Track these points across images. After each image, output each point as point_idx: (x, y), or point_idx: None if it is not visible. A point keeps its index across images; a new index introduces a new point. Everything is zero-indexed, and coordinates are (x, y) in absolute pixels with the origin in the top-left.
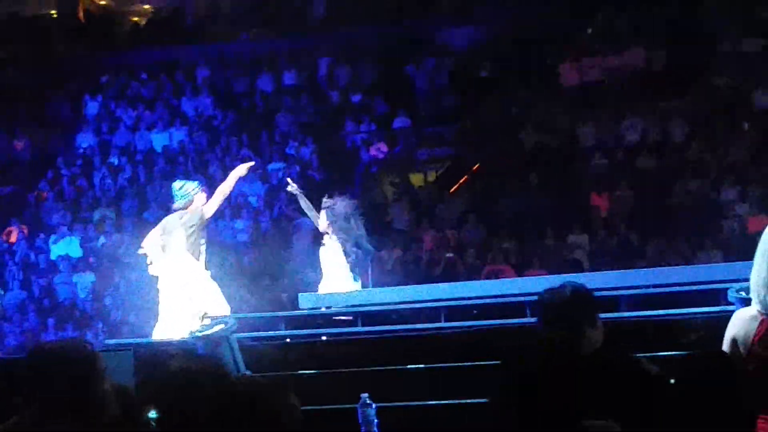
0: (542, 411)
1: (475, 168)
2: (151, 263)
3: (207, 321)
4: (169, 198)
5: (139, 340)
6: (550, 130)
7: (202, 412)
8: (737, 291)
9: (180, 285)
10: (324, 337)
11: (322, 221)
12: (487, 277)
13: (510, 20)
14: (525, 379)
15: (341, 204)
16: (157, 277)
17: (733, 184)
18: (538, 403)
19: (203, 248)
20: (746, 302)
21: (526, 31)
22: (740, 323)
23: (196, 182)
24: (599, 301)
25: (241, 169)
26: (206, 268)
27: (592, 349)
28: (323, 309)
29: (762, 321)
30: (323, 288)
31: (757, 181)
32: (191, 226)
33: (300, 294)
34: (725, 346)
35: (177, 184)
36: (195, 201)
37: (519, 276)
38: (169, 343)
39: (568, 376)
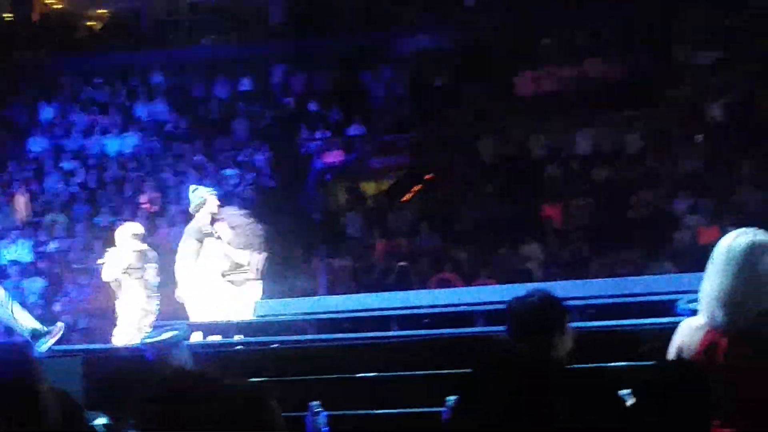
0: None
1: (429, 177)
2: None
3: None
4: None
5: (87, 346)
6: (506, 140)
7: (187, 416)
8: (687, 302)
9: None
10: (275, 345)
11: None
12: (436, 287)
13: (467, 30)
14: (492, 388)
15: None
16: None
17: (686, 195)
18: (503, 412)
19: (204, 258)
20: (695, 313)
21: (482, 41)
22: (686, 333)
23: (210, 188)
24: (568, 309)
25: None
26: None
27: (562, 355)
28: (274, 316)
29: (708, 332)
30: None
31: (709, 193)
32: (192, 233)
33: (255, 301)
34: (671, 355)
35: (191, 188)
36: (205, 207)
37: (468, 285)
38: (119, 350)
39: (540, 384)
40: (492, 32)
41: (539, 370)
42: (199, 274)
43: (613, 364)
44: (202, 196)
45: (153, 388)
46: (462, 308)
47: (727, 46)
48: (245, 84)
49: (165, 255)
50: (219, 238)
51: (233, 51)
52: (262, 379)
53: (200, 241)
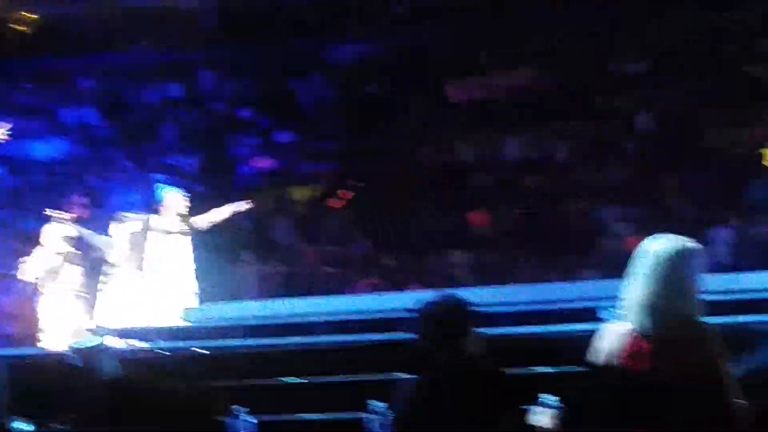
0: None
1: (358, 184)
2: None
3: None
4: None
5: (13, 351)
6: (436, 147)
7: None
8: (612, 308)
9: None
10: (201, 350)
11: None
12: (364, 292)
13: (399, 39)
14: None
15: None
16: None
17: (613, 204)
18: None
19: (147, 260)
20: (620, 319)
21: (414, 48)
22: (611, 338)
23: (177, 188)
24: (475, 313)
25: (240, 206)
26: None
27: (467, 360)
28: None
29: (633, 337)
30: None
31: (637, 202)
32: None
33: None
34: (594, 359)
35: (161, 188)
36: (171, 207)
37: (397, 292)
38: (46, 355)
39: (445, 386)
40: (424, 41)
41: (443, 371)
42: (130, 278)
43: (540, 369)
44: (169, 196)
45: (94, 394)
46: (389, 314)
47: (657, 57)
48: (175, 89)
49: (92, 259)
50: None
51: (163, 56)
52: (185, 383)
53: (143, 241)
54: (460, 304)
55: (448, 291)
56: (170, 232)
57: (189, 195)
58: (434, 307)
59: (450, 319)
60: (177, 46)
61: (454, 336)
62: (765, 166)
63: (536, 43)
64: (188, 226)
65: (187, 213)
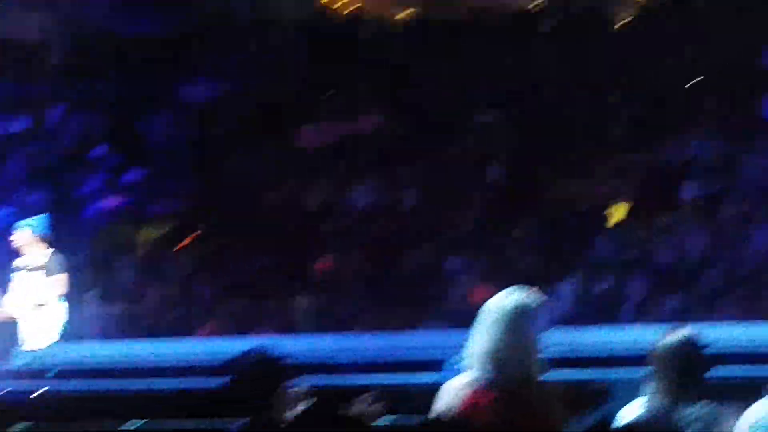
0: None
1: (205, 225)
2: None
3: None
4: None
5: None
6: (284, 191)
7: None
8: (456, 360)
9: None
10: (39, 392)
11: None
12: (207, 336)
13: (250, 79)
14: None
15: None
16: None
17: (459, 254)
18: None
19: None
20: (463, 371)
21: (266, 91)
22: (453, 389)
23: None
24: (289, 366)
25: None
26: None
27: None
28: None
29: (474, 389)
30: None
31: (482, 253)
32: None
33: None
34: (436, 411)
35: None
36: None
37: (240, 336)
38: None
39: None
40: (276, 83)
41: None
42: None
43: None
44: (20, 233)
45: None
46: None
47: (508, 106)
48: (22, 123)
49: None
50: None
51: (10, 89)
52: (26, 425)
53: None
54: (272, 359)
55: (264, 344)
56: (27, 268)
57: (41, 231)
58: (245, 361)
59: (258, 373)
60: (24, 79)
61: (266, 389)
62: (610, 223)
63: (386, 88)
64: (43, 262)
65: (40, 249)
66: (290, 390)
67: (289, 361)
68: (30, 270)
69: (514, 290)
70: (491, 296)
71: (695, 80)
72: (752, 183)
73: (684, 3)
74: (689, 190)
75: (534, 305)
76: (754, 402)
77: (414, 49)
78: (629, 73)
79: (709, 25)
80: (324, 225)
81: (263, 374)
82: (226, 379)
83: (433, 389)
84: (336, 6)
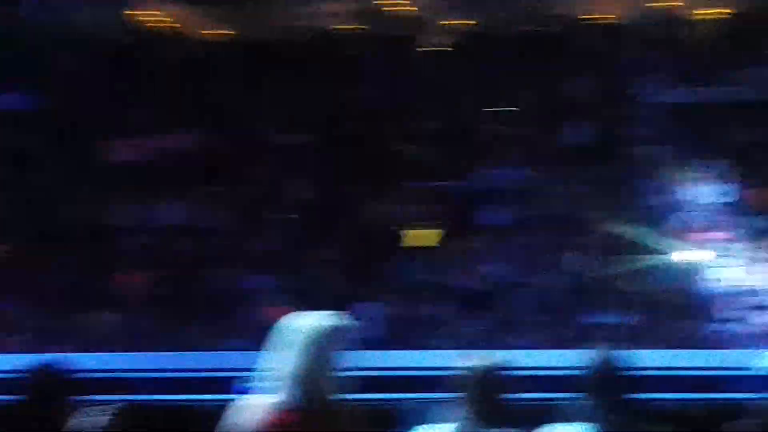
0: None
1: (7, 239)
2: None
3: None
4: None
5: None
6: (89, 207)
7: None
8: (253, 380)
9: None
10: None
11: None
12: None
13: (56, 94)
14: None
15: None
16: None
17: (262, 273)
18: None
19: None
20: (264, 391)
21: (72, 106)
22: (252, 409)
23: None
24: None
25: None
26: None
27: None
28: None
29: (277, 409)
30: None
31: (286, 272)
32: None
33: None
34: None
35: None
36: None
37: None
38: None
39: None
40: (82, 99)
41: None
42: None
43: None
44: None
45: None
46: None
47: (317, 127)
48: None
49: None
50: None
51: None
52: None
53: None
54: (59, 376)
55: (53, 358)
56: None
57: None
58: (32, 377)
59: (51, 390)
60: None
61: (53, 405)
62: (416, 246)
63: (197, 106)
64: None
65: None
66: (80, 406)
67: (79, 377)
68: None
69: (319, 312)
70: (288, 316)
71: (502, 109)
72: (554, 210)
73: (493, 35)
74: (492, 217)
75: (338, 327)
76: (553, 426)
77: (225, 68)
78: (438, 100)
79: (518, 55)
80: (127, 241)
81: (50, 390)
82: (15, 395)
83: (223, 409)
84: (149, 24)
